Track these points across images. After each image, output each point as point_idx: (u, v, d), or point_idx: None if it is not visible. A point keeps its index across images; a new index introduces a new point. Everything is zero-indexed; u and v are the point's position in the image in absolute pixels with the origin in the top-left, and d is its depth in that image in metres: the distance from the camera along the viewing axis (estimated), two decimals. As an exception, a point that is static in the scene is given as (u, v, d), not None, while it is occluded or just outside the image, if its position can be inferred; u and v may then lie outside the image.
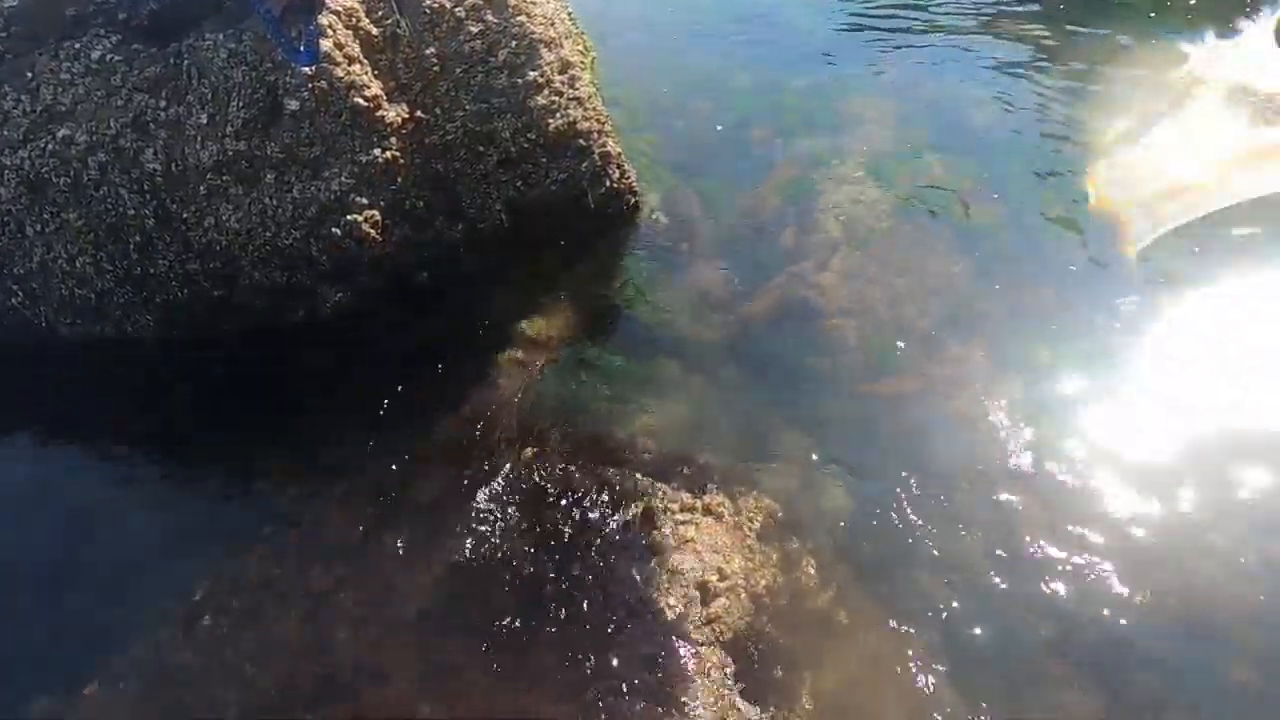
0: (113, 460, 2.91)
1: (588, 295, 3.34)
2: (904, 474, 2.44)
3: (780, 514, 2.32)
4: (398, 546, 2.42)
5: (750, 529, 2.26)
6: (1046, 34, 4.66)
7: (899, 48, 4.79)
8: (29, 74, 2.62)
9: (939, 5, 5.16)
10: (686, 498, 2.39)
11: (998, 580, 2.13)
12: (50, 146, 2.66)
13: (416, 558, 2.38)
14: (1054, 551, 2.18)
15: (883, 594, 2.12)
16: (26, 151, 2.66)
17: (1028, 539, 2.22)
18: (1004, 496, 2.35)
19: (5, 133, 2.65)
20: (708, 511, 2.33)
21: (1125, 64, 4.21)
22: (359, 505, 2.57)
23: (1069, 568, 2.14)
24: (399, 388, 3.00)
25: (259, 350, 3.17)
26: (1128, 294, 2.97)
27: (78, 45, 2.65)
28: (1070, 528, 2.23)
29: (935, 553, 2.20)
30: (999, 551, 2.20)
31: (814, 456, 2.54)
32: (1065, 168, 3.64)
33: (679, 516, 2.29)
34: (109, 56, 2.66)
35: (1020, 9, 4.97)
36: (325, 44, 2.65)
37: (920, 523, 2.29)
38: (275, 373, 3.16)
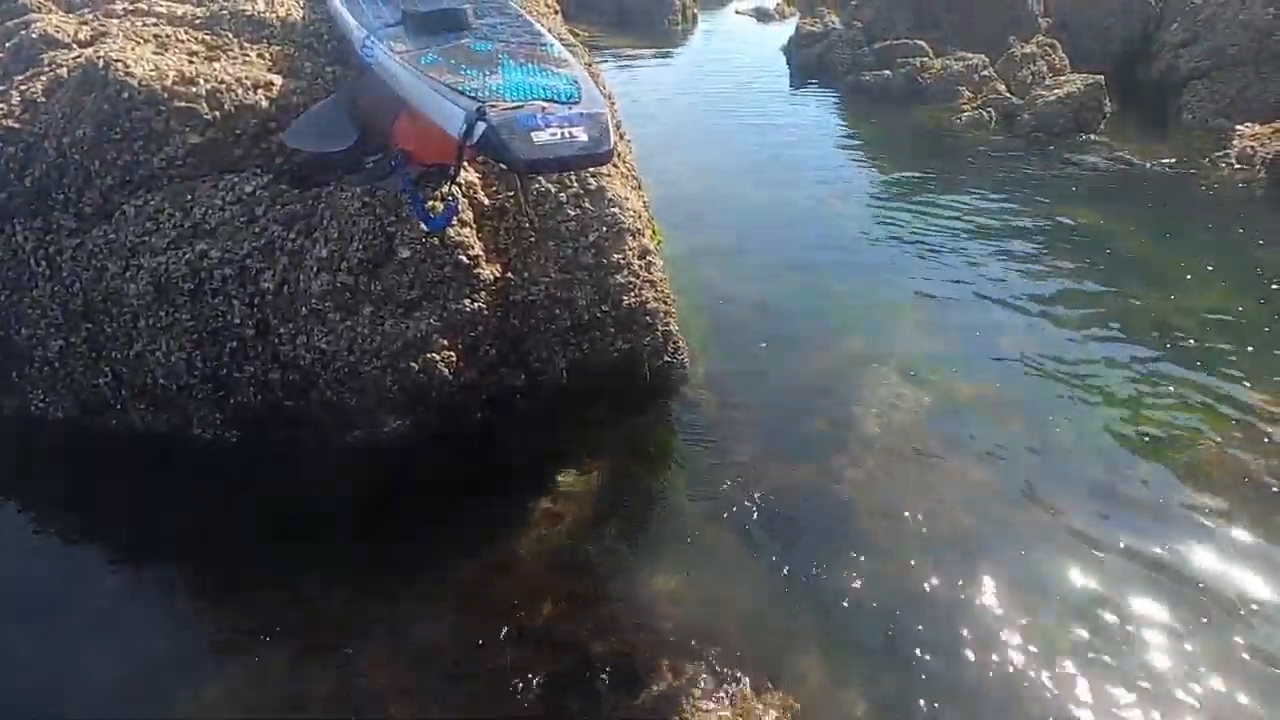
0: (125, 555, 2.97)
1: (626, 457, 3.49)
2: (925, 688, 2.41)
3: (800, 712, 2.29)
4: (389, 694, 2.35)
5: (771, 726, 2.23)
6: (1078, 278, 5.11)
7: (939, 264, 5.27)
8: (189, 196, 3.02)
9: (980, 233, 5.71)
10: (706, 683, 2.38)
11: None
12: (187, 257, 3.00)
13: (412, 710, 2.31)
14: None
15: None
16: (165, 257, 3.00)
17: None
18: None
19: (153, 240, 3.01)
20: (727, 700, 2.30)
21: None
22: (355, 639, 2.54)
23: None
24: (428, 521, 3.09)
25: (304, 463, 3.32)
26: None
27: (235, 179, 3.07)
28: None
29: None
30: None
31: (836, 657, 2.53)
32: (1083, 406, 3.85)
33: (701, 704, 2.27)
34: (258, 191, 3.07)
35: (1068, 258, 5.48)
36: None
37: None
38: (309, 491, 3.27)
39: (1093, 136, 7.77)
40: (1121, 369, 4.12)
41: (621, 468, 3.43)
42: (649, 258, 3.44)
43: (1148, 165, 7.16)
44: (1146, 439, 3.58)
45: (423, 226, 2.88)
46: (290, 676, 2.44)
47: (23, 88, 3.04)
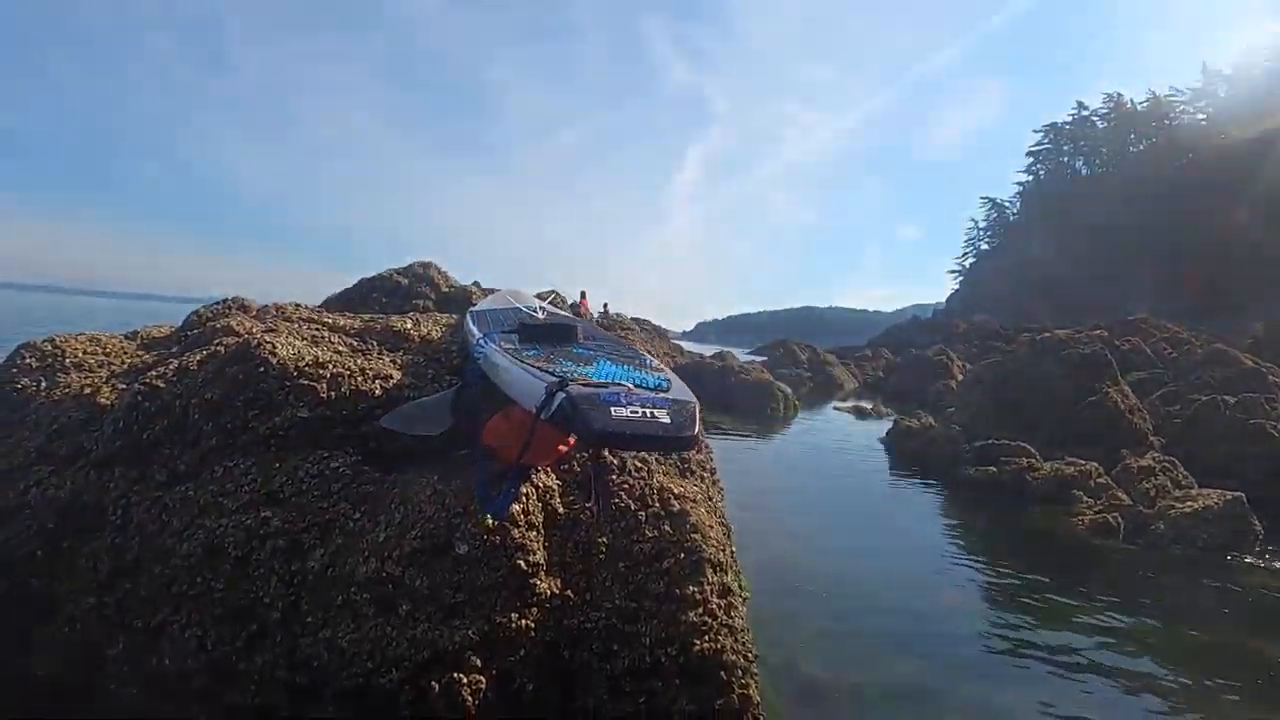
0: None
1: None
2: None
3: None
4: None
5: None
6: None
7: (1073, 687, 4.29)
8: (277, 465, 3.05)
9: (1123, 653, 4.74)
10: None
11: None
12: (248, 523, 2.89)
13: None
14: None
15: None
16: (227, 520, 2.91)
17: None
18: None
19: (224, 501, 2.96)
20: None
21: None
22: None
23: None
24: None
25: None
26: None
27: (325, 454, 3.11)
28: None
29: None
30: None
31: None
32: None
33: None
34: (342, 469, 3.07)
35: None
36: (515, 508, 2.88)
37: None
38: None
39: (1247, 557, 6.87)
40: None
41: None
42: (730, 599, 2.97)
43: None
44: None
45: (484, 513, 2.68)
46: None
47: (184, 358, 3.42)
